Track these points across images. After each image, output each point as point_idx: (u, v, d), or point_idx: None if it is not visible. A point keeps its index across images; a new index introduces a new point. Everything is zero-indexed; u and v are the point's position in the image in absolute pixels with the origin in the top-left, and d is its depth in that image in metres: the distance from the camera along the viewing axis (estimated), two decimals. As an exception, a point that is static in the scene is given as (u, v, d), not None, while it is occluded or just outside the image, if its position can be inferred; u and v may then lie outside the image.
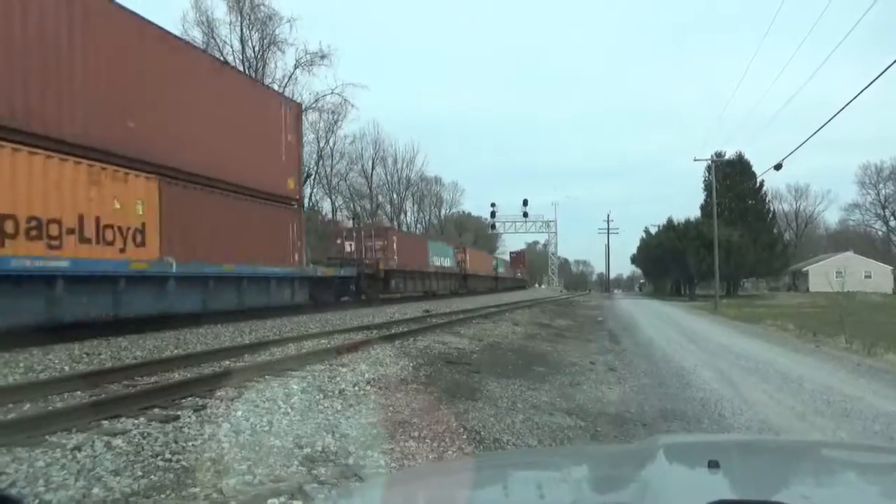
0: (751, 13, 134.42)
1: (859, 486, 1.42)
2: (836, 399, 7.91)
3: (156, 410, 5.48)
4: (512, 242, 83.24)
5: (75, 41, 10.71)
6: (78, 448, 4.27)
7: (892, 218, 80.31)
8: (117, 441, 4.48)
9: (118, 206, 11.41)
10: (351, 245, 27.99)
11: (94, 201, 10.90)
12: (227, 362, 8.42)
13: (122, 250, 11.49)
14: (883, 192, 79.24)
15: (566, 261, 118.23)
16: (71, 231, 10.41)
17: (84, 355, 8.59)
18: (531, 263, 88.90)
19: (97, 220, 10.97)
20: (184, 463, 4.14)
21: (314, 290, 19.32)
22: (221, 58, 37.34)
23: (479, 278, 48.05)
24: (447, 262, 38.88)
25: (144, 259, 11.95)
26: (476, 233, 76.88)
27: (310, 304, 18.79)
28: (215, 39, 38.14)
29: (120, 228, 11.49)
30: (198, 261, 13.32)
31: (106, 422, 5.02)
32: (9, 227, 9.32)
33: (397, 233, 34.37)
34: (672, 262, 55.30)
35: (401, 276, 29.81)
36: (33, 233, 9.72)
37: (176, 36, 15.50)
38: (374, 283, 25.97)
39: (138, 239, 11.91)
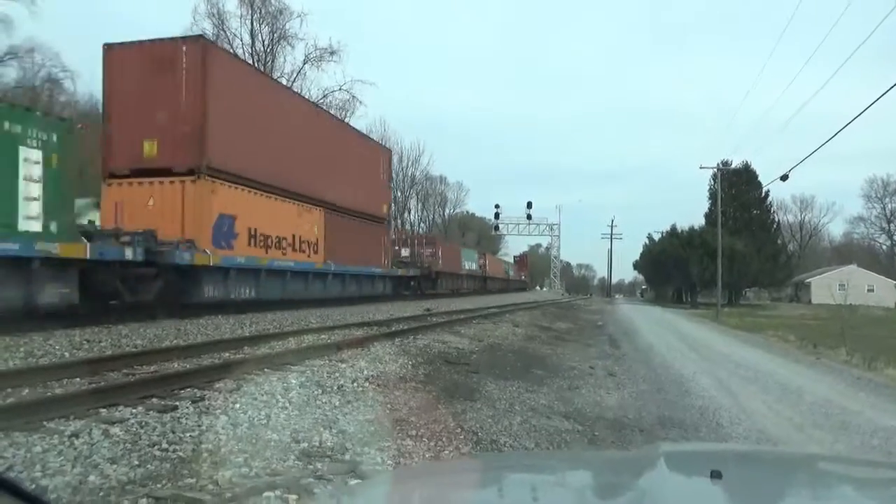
0: (760, 17, 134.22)
1: (857, 501, 1.41)
2: (834, 412, 7.89)
3: (154, 400, 5.48)
4: (515, 244, 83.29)
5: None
6: (76, 435, 4.28)
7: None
8: (115, 429, 4.49)
9: (306, 228, 18.60)
10: (406, 250, 33.95)
11: (298, 226, 18.08)
12: (227, 354, 8.43)
13: (309, 256, 18.79)
14: (889, 206, 79.21)
15: (568, 264, 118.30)
16: (290, 244, 17.74)
17: (84, 342, 8.60)
18: (533, 265, 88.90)
19: (300, 237, 18.26)
20: (180, 453, 4.15)
21: (395, 285, 27.55)
22: (231, 49, 37.51)
23: (495, 280, 56.40)
24: (473, 266, 47.60)
25: (319, 261, 19.22)
26: (479, 233, 76.94)
27: (390, 295, 26.24)
28: (225, 32, 38.23)
29: (307, 242, 18.72)
30: (340, 263, 20.26)
31: (104, 410, 5.03)
32: (270, 242, 16.62)
33: (441, 242, 41.79)
34: (674, 269, 55.22)
35: (444, 276, 37.47)
36: (279, 245, 17.08)
37: (338, 118, 26.41)
38: (426, 281, 33.42)
39: (315, 249, 19.18)
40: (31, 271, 9.51)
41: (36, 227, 9.80)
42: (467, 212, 80.00)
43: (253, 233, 15.77)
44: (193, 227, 13.70)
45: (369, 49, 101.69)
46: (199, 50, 14.09)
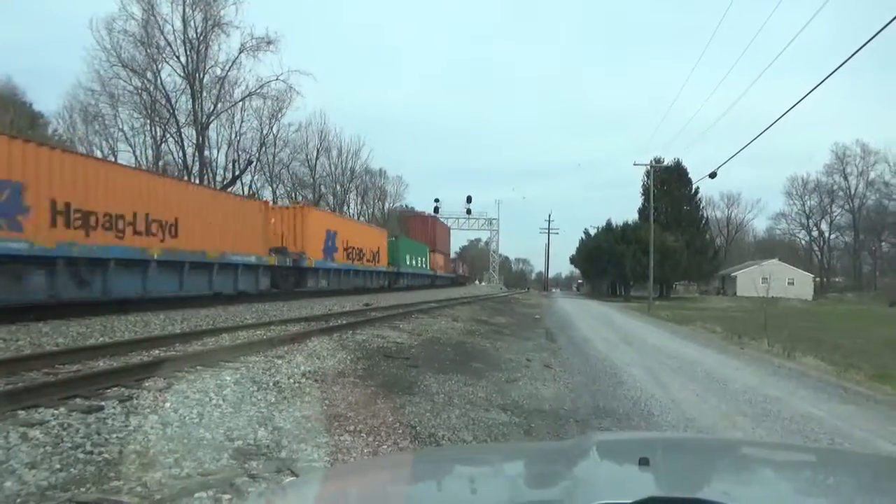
0: (694, 28, 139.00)
1: (776, 484, 1.48)
2: (757, 399, 8.27)
3: (77, 400, 5.24)
4: (455, 238, 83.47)
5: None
6: (-10, 439, 4.04)
7: (815, 228, 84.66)
8: (34, 432, 4.27)
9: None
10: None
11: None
12: (157, 351, 8.15)
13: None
14: (808, 203, 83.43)
15: (507, 258, 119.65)
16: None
17: (0, 340, 8.15)
18: (473, 260, 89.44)
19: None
20: (106, 455, 3.98)
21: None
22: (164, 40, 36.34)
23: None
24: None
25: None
26: (419, 227, 76.72)
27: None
28: (155, 17, 36.69)
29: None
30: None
31: (22, 412, 4.78)
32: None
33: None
34: (609, 263, 56.67)
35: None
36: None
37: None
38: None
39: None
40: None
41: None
42: (407, 206, 79.75)
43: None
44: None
45: (310, 42, 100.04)
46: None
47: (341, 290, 27.87)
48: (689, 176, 58.66)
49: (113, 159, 33.23)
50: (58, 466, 3.73)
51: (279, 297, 20.91)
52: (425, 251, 48.73)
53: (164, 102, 38.65)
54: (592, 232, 65.61)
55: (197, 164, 39.71)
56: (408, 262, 41.85)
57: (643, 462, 1.26)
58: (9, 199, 11.25)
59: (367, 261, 32.93)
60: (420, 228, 56.17)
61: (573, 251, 76.47)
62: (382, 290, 34.42)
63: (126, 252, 14.00)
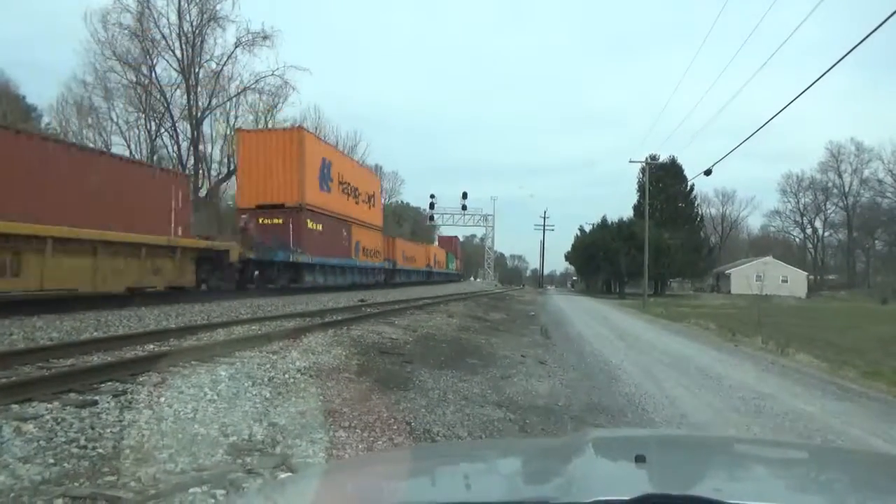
0: (690, 25, 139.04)
1: (768, 480, 1.49)
2: (750, 396, 8.31)
3: (71, 395, 5.22)
4: (449, 234, 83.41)
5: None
6: (-17, 433, 4.03)
7: (809, 226, 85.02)
8: (28, 426, 4.25)
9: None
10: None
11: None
12: (152, 346, 8.12)
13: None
14: (802, 200, 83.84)
15: (502, 255, 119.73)
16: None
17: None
18: (468, 256, 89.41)
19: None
20: (100, 450, 3.97)
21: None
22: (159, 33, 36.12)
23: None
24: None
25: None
26: (414, 224, 76.72)
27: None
28: (150, 10, 36.54)
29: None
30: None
31: (16, 406, 4.75)
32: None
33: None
34: (604, 260, 56.80)
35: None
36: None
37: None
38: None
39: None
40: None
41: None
42: (402, 202, 79.67)
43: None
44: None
45: (306, 37, 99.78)
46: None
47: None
48: (685, 173, 58.90)
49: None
50: (51, 461, 3.71)
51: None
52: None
53: (158, 96, 38.57)
54: (587, 229, 65.80)
55: (192, 158, 39.58)
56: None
57: (640, 459, 1.27)
58: None
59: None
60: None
61: (568, 248, 76.64)
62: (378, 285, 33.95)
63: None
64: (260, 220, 21.96)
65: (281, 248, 21.56)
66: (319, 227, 24.29)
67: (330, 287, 25.43)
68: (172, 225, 16.02)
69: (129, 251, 14.20)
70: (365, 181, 32.13)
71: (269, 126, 38.97)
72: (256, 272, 20.67)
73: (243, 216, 21.96)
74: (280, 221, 22.30)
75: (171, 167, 30.73)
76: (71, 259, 12.45)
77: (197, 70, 38.66)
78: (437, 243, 69.39)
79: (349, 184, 28.34)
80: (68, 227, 12.21)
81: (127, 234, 14.01)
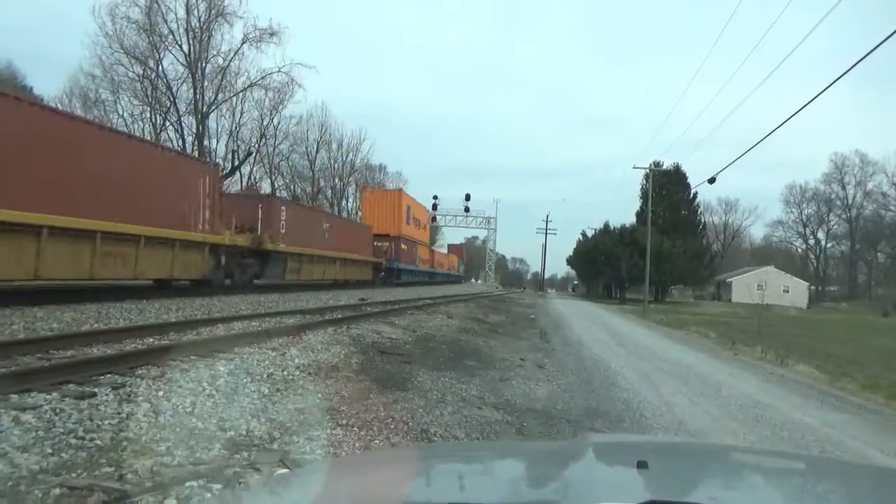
0: (697, 33, 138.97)
1: (765, 490, 1.50)
2: (749, 405, 8.30)
3: (70, 386, 5.23)
4: (452, 236, 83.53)
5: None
6: (-18, 422, 4.04)
7: (811, 237, 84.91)
8: (27, 416, 4.26)
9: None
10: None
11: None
12: (151, 339, 8.14)
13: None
14: (805, 211, 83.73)
15: (503, 257, 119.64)
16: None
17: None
18: (469, 258, 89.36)
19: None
20: (98, 442, 3.97)
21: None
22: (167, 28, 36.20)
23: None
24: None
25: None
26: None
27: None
28: (158, 5, 36.59)
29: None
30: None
31: (15, 395, 4.76)
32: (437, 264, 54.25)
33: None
34: (605, 265, 56.75)
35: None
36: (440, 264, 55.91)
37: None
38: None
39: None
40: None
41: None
42: (405, 202, 79.67)
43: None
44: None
45: (312, 35, 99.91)
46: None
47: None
48: (688, 181, 58.83)
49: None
50: (49, 451, 3.72)
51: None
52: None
53: (164, 90, 38.62)
54: (590, 234, 65.74)
55: (196, 153, 39.62)
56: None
57: (641, 465, 1.27)
58: None
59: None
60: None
61: (570, 252, 76.59)
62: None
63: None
64: (375, 243, 34.90)
65: (389, 260, 37.28)
66: (405, 247, 40.16)
67: (406, 283, 39.38)
68: (202, 219, 16.63)
69: (180, 245, 15.43)
70: (423, 214, 49.18)
71: (275, 123, 39.82)
72: (382, 273, 35.81)
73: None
74: (386, 245, 37.22)
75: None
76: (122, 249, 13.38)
77: (203, 65, 38.76)
78: (447, 249, 71.35)
79: (415, 217, 44.81)
80: (122, 223, 13.01)
81: (190, 232, 15.78)
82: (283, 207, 22.61)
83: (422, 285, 42.16)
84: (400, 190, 45.07)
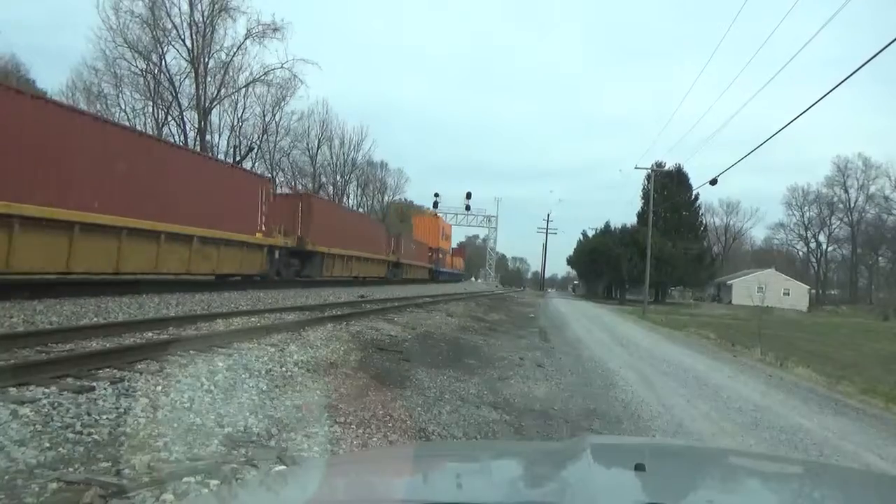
0: (701, 34, 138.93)
1: (763, 494, 1.50)
2: (747, 408, 8.30)
3: (69, 380, 5.22)
4: (452, 234, 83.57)
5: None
6: (-20, 415, 4.03)
7: (812, 240, 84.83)
8: (25, 410, 4.26)
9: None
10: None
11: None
12: (150, 334, 8.13)
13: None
14: (807, 214, 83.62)
15: (504, 256, 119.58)
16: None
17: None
18: (470, 257, 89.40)
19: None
20: (96, 436, 3.97)
21: None
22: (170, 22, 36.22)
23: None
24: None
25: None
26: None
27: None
28: (162, -1, 36.54)
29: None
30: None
31: (13, 389, 4.76)
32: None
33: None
34: (606, 265, 56.75)
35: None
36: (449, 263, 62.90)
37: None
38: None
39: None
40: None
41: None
42: (406, 199, 79.75)
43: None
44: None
45: (315, 31, 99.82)
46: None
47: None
48: (690, 182, 58.71)
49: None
50: (47, 445, 3.72)
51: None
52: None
53: (167, 85, 38.58)
54: (590, 234, 65.73)
55: (198, 148, 39.62)
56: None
57: (639, 468, 1.26)
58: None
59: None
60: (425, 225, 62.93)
61: (571, 252, 76.60)
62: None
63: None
64: (428, 254, 49.23)
65: (435, 265, 52.21)
66: (441, 256, 55.39)
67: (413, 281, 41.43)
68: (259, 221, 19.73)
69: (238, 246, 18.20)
70: (448, 229, 63.45)
71: (277, 119, 39.49)
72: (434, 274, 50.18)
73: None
74: (432, 255, 51.25)
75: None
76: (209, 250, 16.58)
77: (206, 60, 38.71)
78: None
79: (445, 233, 60.20)
80: (210, 229, 16.25)
81: (254, 236, 18.99)
82: (317, 206, 25.43)
83: (422, 283, 42.57)
84: (436, 215, 61.53)
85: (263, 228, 19.56)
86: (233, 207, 17.88)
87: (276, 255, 20.98)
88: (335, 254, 26.12)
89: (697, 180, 56.54)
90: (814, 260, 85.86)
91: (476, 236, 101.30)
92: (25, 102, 11.11)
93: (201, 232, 15.79)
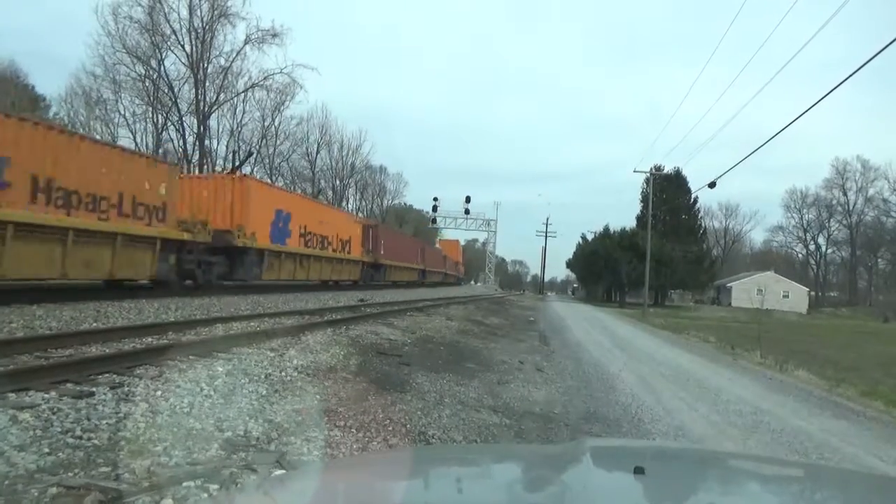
0: (699, 37, 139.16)
1: (763, 497, 1.49)
2: (748, 411, 8.29)
3: (68, 385, 5.23)
4: (452, 238, 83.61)
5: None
6: (-21, 420, 4.03)
7: (812, 242, 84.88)
8: (24, 415, 4.26)
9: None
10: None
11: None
12: (150, 339, 8.13)
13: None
14: (806, 216, 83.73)
15: (503, 260, 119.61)
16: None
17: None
18: (469, 260, 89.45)
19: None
20: (96, 441, 3.97)
21: None
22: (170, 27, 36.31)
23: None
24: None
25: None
26: (416, 226, 76.75)
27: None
28: (161, 5, 36.65)
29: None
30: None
31: (13, 394, 4.76)
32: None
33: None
34: (605, 268, 56.73)
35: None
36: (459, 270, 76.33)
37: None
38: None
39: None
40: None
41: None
42: (405, 203, 79.77)
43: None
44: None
45: (314, 36, 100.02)
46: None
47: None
48: (689, 185, 58.75)
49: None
50: (47, 450, 3.72)
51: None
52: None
53: (166, 90, 38.66)
54: (590, 237, 65.72)
55: (197, 152, 39.68)
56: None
57: (638, 471, 1.27)
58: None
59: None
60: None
61: (570, 255, 76.61)
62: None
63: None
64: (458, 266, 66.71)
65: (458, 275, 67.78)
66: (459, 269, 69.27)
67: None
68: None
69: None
70: (459, 244, 78.96)
71: (276, 124, 39.76)
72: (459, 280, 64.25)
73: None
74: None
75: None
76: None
77: (205, 65, 38.82)
78: (437, 244, 72.19)
79: (459, 247, 75.80)
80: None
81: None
82: (384, 235, 34.68)
83: (419, 287, 42.70)
84: (457, 240, 78.76)
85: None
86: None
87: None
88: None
89: (696, 183, 56.79)
90: (813, 262, 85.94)
91: (475, 240, 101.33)
92: None
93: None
